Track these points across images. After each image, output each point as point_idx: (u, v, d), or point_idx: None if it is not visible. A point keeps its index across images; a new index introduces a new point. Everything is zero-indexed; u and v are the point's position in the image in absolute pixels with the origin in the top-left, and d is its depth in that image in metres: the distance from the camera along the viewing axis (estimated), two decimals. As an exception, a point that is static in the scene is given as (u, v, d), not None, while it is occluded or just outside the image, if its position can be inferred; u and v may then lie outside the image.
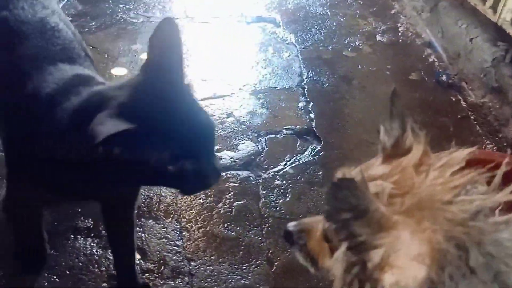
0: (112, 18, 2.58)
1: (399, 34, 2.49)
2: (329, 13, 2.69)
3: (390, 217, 0.54)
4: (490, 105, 1.89)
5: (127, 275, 1.26)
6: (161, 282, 1.31)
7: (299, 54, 2.32)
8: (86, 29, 2.47)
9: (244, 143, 1.79)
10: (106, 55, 2.26)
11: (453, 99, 2.03)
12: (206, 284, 1.31)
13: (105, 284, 1.29)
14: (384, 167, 0.63)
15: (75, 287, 1.28)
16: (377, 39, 2.45)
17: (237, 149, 1.76)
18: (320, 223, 0.77)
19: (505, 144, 1.76)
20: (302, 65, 2.24)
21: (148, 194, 1.55)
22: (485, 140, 1.82)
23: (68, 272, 1.31)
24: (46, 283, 1.28)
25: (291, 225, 0.82)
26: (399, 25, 2.56)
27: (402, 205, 0.56)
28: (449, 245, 0.53)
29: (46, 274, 1.29)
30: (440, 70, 2.20)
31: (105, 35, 2.43)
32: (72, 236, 1.40)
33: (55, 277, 1.29)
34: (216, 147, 1.59)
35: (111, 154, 0.80)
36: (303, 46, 2.39)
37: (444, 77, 2.13)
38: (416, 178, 0.59)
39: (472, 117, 1.93)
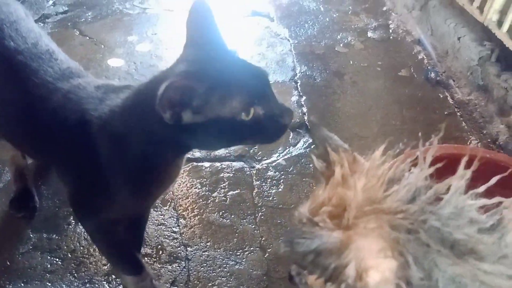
0: (108, 9, 2.61)
1: (390, 31, 2.55)
2: (322, 8, 2.74)
3: (343, 236, 0.59)
4: (476, 102, 1.96)
5: None
6: (159, 266, 1.36)
7: (292, 49, 2.37)
8: (82, 19, 2.49)
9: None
10: (102, 46, 2.29)
11: (441, 96, 2.10)
12: (202, 268, 1.37)
13: (105, 267, 1.34)
14: (325, 192, 0.68)
15: (77, 269, 1.33)
16: (369, 35, 2.51)
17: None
18: None
19: (489, 140, 1.83)
20: (295, 60, 2.29)
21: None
22: (470, 136, 1.89)
23: (70, 255, 1.36)
24: (49, 265, 1.33)
25: (293, 270, 0.86)
26: (390, 22, 2.62)
27: (347, 220, 0.61)
28: (397, 233, 0.58)
29: (49, 257, 1.34)
30: (429, 67, 2.26)
31: (101, 25, 2.46)
32: (73, 221, 1.45)
33: (57, 259, 1.34)
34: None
35: (180, 119, 0.82)
36: (296, 41, 2.43)
37: (432, 74, 2.19)
38: (348, 191, 0.64)
39: (458, 114, 2.00)
